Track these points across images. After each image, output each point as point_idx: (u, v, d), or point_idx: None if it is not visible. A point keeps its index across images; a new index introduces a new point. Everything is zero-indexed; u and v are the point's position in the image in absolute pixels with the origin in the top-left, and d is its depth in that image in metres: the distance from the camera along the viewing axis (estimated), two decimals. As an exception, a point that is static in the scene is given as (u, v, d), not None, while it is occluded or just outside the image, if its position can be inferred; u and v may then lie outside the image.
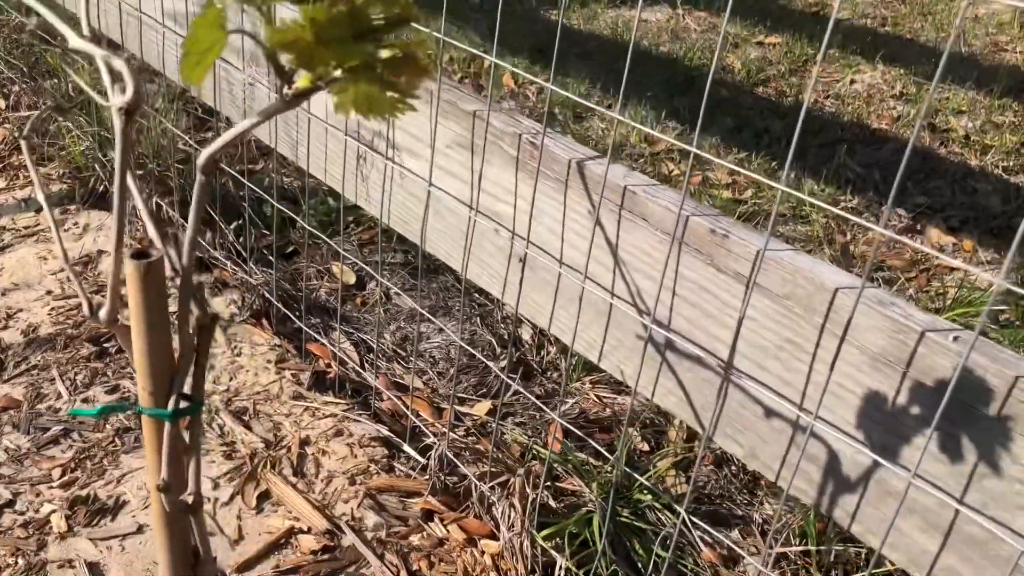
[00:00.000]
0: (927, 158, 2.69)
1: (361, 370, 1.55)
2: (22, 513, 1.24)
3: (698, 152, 0.84)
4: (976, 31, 3.99)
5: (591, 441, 1.16)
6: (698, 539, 1.26)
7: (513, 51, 3.22)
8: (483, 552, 1.21)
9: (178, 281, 0.65)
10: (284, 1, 0.47)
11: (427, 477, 1.33)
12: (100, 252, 1.83)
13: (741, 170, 0.83)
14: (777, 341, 0.83)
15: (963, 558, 0.75)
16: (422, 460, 1.36)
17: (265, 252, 1.84)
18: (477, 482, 1.26)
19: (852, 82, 3.26)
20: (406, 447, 1.39)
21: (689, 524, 1.26)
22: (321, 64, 0.47)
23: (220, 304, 1.69)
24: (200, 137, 2.23)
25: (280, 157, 2.02)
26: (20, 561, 1.17)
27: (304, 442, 1.39)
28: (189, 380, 0.69)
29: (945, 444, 0.73)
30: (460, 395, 1.52)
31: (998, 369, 0.69)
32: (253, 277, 1.73)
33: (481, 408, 1.49)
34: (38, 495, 1.27)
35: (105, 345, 1.57)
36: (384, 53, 0.47)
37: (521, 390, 1.27)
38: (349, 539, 1.23)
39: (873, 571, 1.18)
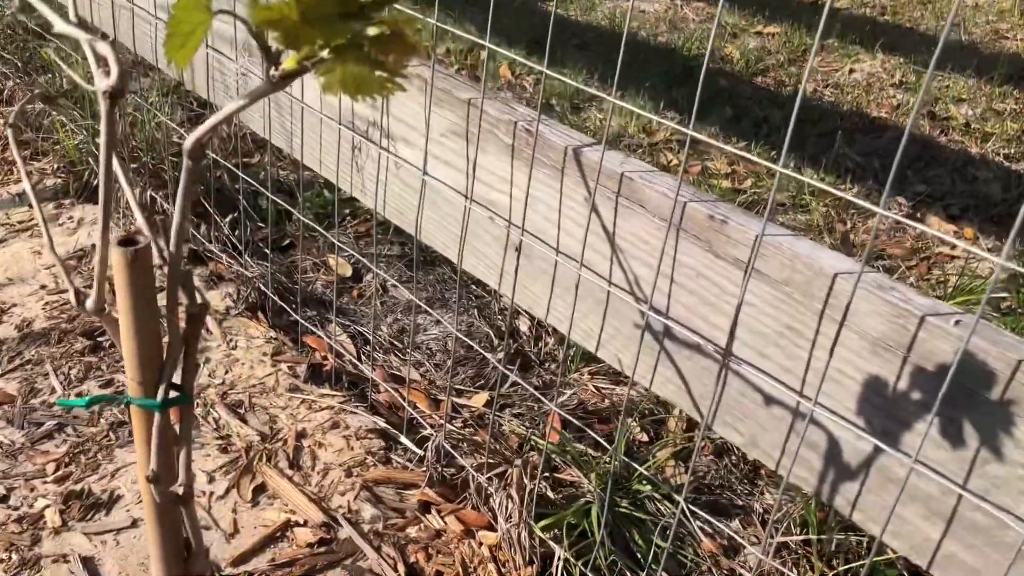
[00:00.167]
0: (927, 146, 2.68)
1: (358, 362, 1.54)
2: (16, 508, 1.23)
3: (696, 136, 0.82)
4: (976, 19, 3.97)
5: (590, 431, 1.15)
6: (698, 529, 1.25)
7: (510, 43, 3.21)
8: (481, 543, 1.20)
9: (166, 269, 0.64)
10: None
11: (424, 469, 1.32)
12: (95, 246, 1.81)
13: (744, 154, 0.82)
14: (776, 327, 0.82)
15: (966, 545, 0.74)
16: (419, 452, 1.35)
17: (260, 245, 1.83)
18: (475, 473, 1.25)
19: (851, 71, 3.25)
20: (403, 439, 1.38)
21: (689, 514, 1.25)
22: (307, 43, 0.46)
23: (216, 297, 1.68)
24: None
25: (275, 150, 2.01)
26: (14, 556, 1.16)
27: (300, 435, 1.38)
28: (179, 371, 0.68)
29: (947, 429, 0.72)
30: (457, 387, 1.51)
31: (1000, 352, 0.68)
32: (249, 270, 1.71)
33: (479, 399, 1.48)
34: (32, 490, 1.26)
35: (99, 339, 1.56)
36: (372, 31, 0.46)
37: (519, 381, 1.26)
38: (346, 532, 1.22)
39: (875, 559, 1.17)
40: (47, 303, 1.64)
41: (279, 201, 1.56)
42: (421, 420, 1.40)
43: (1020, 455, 0.68)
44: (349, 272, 1.82)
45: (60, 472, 1.29)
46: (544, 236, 1.01)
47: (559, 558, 1.13)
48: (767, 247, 0.80)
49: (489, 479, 1.23)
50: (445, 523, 1.24)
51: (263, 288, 1.66)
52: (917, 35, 3.75)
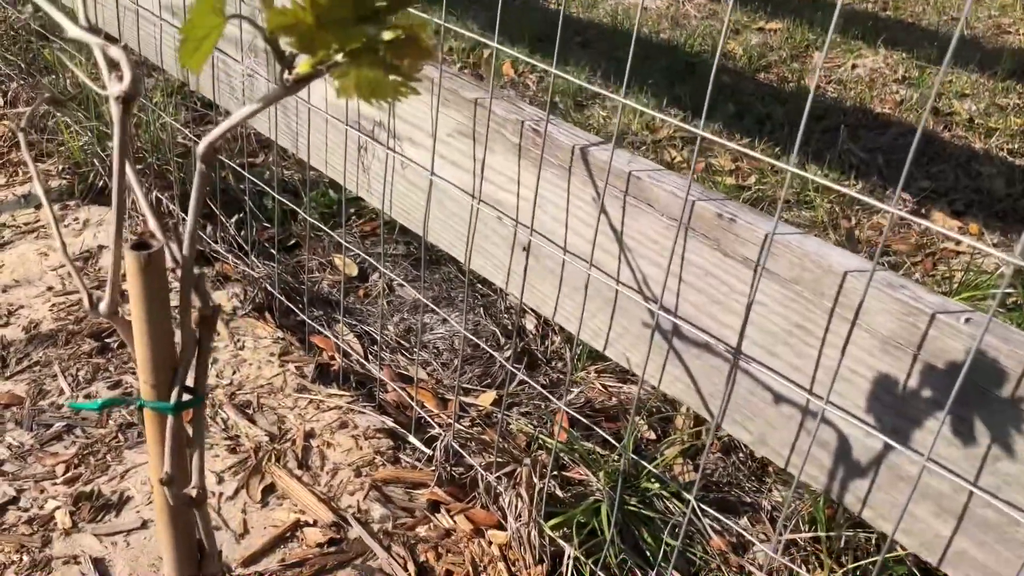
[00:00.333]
0: (931, 142, 2.68)
1: (365, 362, 1.54)
2: (26, 510, 1.24)
3: (705, 135, 0.83)
4: (978, 13, 3.97)
5: (598, 429, 1.15)
6: (707, 527, 1.25)
7: (512, 41, 3.21)
8: (490, 543, 1.20)
9: (179, 272, 0.64)
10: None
11: (433, 468, 1.32)
12: (100, 247, 1.82)
13: (748, 152, 0.82)
14: (786, 326, 0.82)
15: (977, 542, 0.74)
16: (428, 451, 1.35)
17: (267, 245, 1.83)
18: (484, 472, 1.25)
19: (854, 67, 3.24)
20: (411, 438, 1.38)
21: (698, 512, 1.25)
22: (323, 48, 0.46)
23: (222, 297, 1.68)
24: (199, 131, 2.22)
25: (280, 149, 2.01)
26: (25, 558, 1.16)
27: (309, 435, 1.38)
28: (191, 373, 0.69)
29: (958, 427, 0.73)
30: (465, 386, 1.51)
31: (1011, 350, 0.68)
32: (255, 270, 1.72)
33: (486, 398, 1.48)
34: (42, 492, 1.27)
35: (107, 341, 1.56)
36: (387, 35, 0.46)
37: (527, 379, 1.26)
38: (355, 531, 1.22)
39: (885, 556, 1.17)
40: (54, 304, 1.64)
41: (285, 201, 1.56)
42: (429, 419, 1.40)
43: (1032, 452, 0.69)
44: (355, 272, 1.83)
45: (70, 473, 1.30)
46: (551, 235, 1.01)
47: (569, 556, 1.14)
48: (776, 246, 0.80)
49: (498, 478, 1.23)
50: (455, 522, 1.24)
51: (270, 288, 1.66)
52: (919, 30, 3.75)
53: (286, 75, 0.51)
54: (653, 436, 1.43)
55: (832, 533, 1.20)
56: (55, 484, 1.28)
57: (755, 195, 2.26)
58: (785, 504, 1.15)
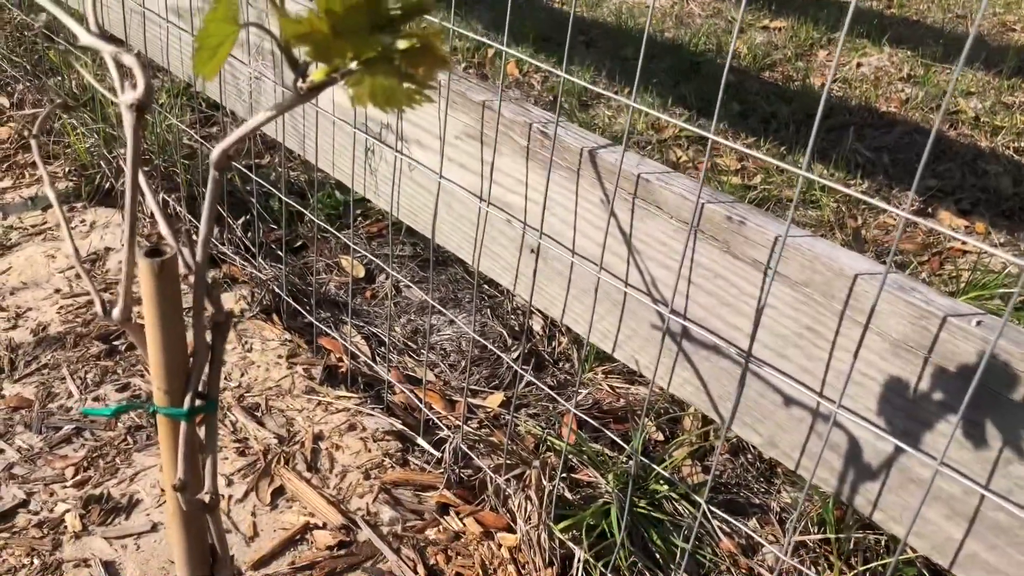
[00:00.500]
0: (937, 140, 2.68)
1: (373, 363, 1.54)
2: (36, 513, 1.24)
3: (714, 138, 0.82)
4: (984, 11, 3.96)
5: (608, 431, 1.15)
6: (717, 529, 1.25)
7: (517, 40, 3.21)
8: (500, 545, 1.21)
9: (191, 279, 0.65)
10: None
11: (442, 470, 1.32)
12: (107, 249, 1.82)
13: (754, 153, 0.82)
14: (796, 328, 0.82)
15: (989, 545, 0.74)
16: (436, 453, 1.35)
17: (273, 247, 1.83)
18: (492, 475, 1.25)
19: (859, 65, 3.24)
20: (420, 440, 1.38)
21: (708, 514, 1.25)
22: (338, 56, 0.46)
23: (230, 299, 1.68)
24: (205, 132, 2.23)
25: (287, 151, 2.01)
26: (36, 561, 1.17)
27: (317, 437, 1.38)
28: (204, 378, 0.69)
29: (969, 430, 0.73)
30: (472, 387, 1.51)
31: (1023, 354, 0.68)
32: (262, 272, 1.72)
33: (494, 400, 1.48)
34: (52, 495, 1.27)
35: (115, 343, 1.56)
36: (402, 44, 0.46)
37: (535, 381, 1.26)
38: (365, 534, 1.22)
39: (895, 559, 1.17)
40: (62, 307, 1.64)
41: (292, 203, 1.56)
42: (437, 421, 1.40)
43: (1044, 456, 0.69)
44: (362, 273, 1.83)
45: (79, 476, 1.30)
46: (560, 237, 1.01)
47: (579, 559, 1.14)
48: (786, 248, 0.80)
49: (507, 480, 1.23)
50: (464, 525, 1.24)
51: (277, 290, 1.66)
52: (924, 28, 3.74)
53: (300, 83, 0.51)
54: (661, 437, 1.43)
55: (841, 535, 1.20)
56: (64, 487, 1.28)
57: (761, 194, 2.25)
58: (798, 506, 1.15)
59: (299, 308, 1.63)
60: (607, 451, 1.34)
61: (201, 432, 0.70)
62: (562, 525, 1.17)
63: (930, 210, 2.30)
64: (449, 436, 1.34)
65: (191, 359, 0.67)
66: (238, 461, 1.34)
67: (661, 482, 1.26)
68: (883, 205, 0.73)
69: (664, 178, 0.91)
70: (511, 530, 1.22)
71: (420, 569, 1.17)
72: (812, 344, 0.82)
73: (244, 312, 1.65)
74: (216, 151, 0.57)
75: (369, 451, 1.36)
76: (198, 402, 0.67)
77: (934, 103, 2.91)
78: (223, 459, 1.33)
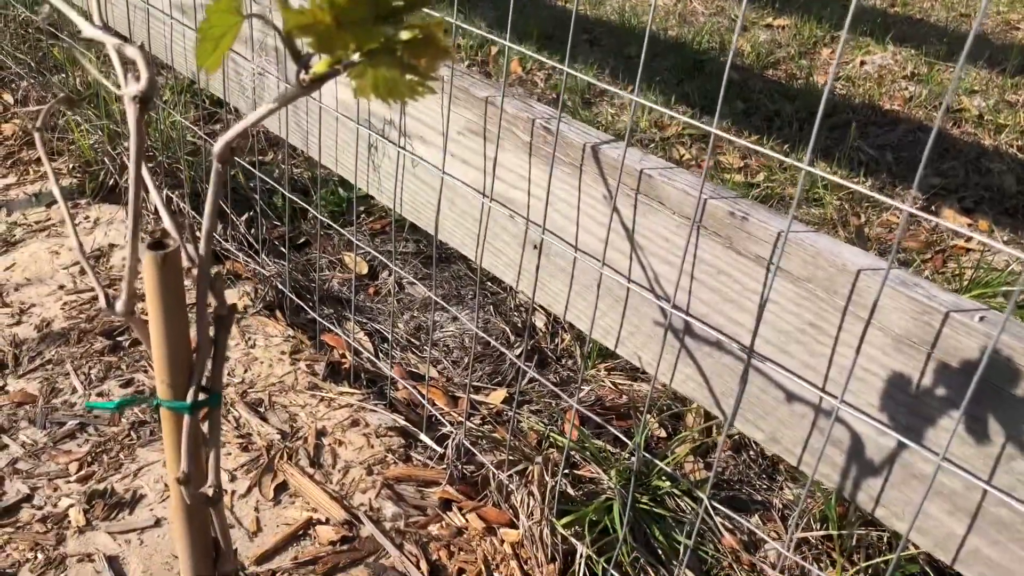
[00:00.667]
0: (940, 138, 2.67)
1: (376, 360, 1.54)
2: (40, 508, 1.24)
3: (717, 132, 0.82)
4: (987, 9, 3.96)
5: (610, 427, 1.15)
6: (719, 525, 1.25)
7: (520, 38, 3.21)
8: (503, 541, 1.21)
9: (194, 272, 0.65)
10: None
11: (444, 466, 1.32)
12: (111, 246, 1.82)
13: (761, 149, 0.82)
14: (799, 324, 0.82)
15: (991, 541, 0.74)
16: (439, 449, 1.35)
17: (276, 243, 1.83)
18: (495, 471, 1.25)
19: (862, 63, 3.24)
20: (423, 436, 1.38)
21: (711, 510, 1.25)
22: (341, 48, 0.46)
23: (233, 296, 1.68)
24: (209, 129, 2.23)
25: (290, 148, 2.01)
26: (40, 556, 1.17)
27: (320, 433, 1.38)
28: (207, 372, 0.69)
29: (972, 426, 0.73)
30: (475, 384, 1.52)
31: (1026, 349, 0.68)
32: (266, 268, 1.72)
33: (496, 396, 1.48)
34: (56, 489, 1.27)
35: (119, 339, 1.57)
36: (404, 35, 0.46)
37: (538, 377, 1.27)
38: (368, 529, 1.23)
39: (898, 555, 1.17)
40: (66, 303, 1.65)
41: (296, 199, 1.56)
42: (440, 417, 1.40)
43: (1047, 451, 0.68)
44: (365, 270, 1.83)
45: (83, 472, 1.30)
46: (562, 233, 1.01)
47: (581, 555, 1.14)
48: (789, 244, 0.80)
49: (510, 476, 1.24)
50: (466, 520, 1.24)
51: (280, 287, 1.66)
52: (927, 26, 3.74)
53: (302, 75, 0.51)
54: (663, 434, 1.44)
55: (844, 531, 1.19)
56: (68, 482, 1.28)
57: (764, 192, 2.25)
58: (800, 502, 1.14)
59: (302, 304, 1.64)
60: (609, 448, 1.34)
61: (204, 427, 0.70)
62: (564, 521, 1.17)
63: (933, 208, 2.29)
64: (452, 432, 1.34)
65: (194, 353, 0.67)
66: (241, 457, 1.34)
67: (663, 478, 1.26)
68: (887, 200, 0.73)
69: (667, 174, 0.91)
70: (513, 526, 1.22)
71: (423, 565, 1.18)
72: (815, 340, 0.82)
73: (247, 308, 1.65)
74: (219, 143, 0.57)
75: (372, 447, 1.36)
76: (201, 395, 0.67)
77: (938, 101, 2.90)
78: (226, 455, 1.34)
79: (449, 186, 1.14)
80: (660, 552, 1.19)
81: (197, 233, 0.63)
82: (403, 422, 1.41)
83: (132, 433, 1.37)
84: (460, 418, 1.39)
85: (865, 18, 3.68)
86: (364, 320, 1.66)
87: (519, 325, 1.67)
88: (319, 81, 0.51)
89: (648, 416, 1.44)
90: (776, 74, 3.12)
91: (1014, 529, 0.72)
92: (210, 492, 0.70)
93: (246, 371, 1.51)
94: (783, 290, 0.82)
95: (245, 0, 1.36)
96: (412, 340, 1.63)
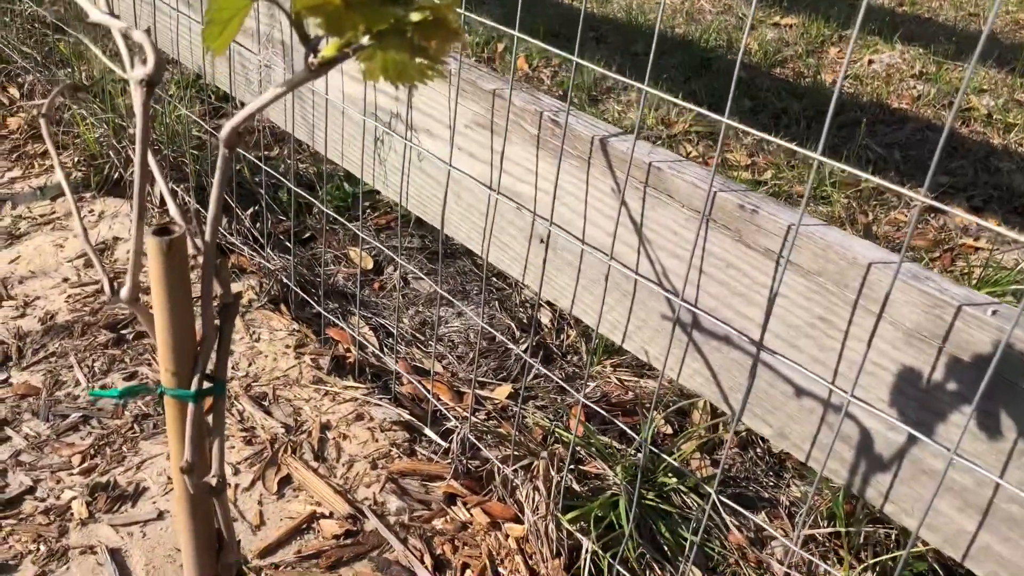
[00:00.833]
0: (949, 137, 2.66)
1: (381, 354, 1.54)
2: (43, 500, 1.24)
3: (728, 122, 0.82)
4: (997, 8, 3.94)
5: (618, 422, 1.15)
6: (725, 522, 1.24)
7: (526, 35, 3.20)
8: (507, 535, 1.20)
9: (199, 260, 0.64)
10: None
11: (449, 461, 1.31)
12: (116, 239, 1.82)
13: (776, 140, 0.81)
14: (808, 319, 0.82)
15: (1002, 537, 0.73)
16: (444, 444, 1.35)
17: (281, 238, 1.83)
18: (500, 465, 1.25)
19: (870, 62, 3.23)
20: (427, 431, 1.38)
21: (718, 506, 1.24)
22: (350, 28, 0.45)
23: (237, 289, 1.68)
24: (215, 124, 2.22)
25: (295, 142, 2.01)
26: (42, 547, 1.16)
27: (325, 427, 1.38)
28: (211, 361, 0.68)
29: (983, 421, 0.72)
30: (480, 379, 1.51)
31: (1039, 343, 0.67)
32: (271, 262, 1.72)
33: (501, 392, 1.47)
34: (58, 482, 1.27)
35: (122, 332, 1.56)
36: (415, 16, 0.45)
37: (546, 371, 1.26)
38: (372, 523, 1.22)
39: (905, 552, 1.16)
40: (70, 296, 1.64)
41: (302, 193, 1.55)
42: (445, 412, 1.40)
43: (1061, 446, 0.68)
44: (370, 265, 1.82)
45: (86, 464, 1.30)
46: (569, 227, 1.01)
47: (587, 550, 1.13)
48: (799, 237, 0.80)
49: (515, 471, 1.23)
50: (471, 515, 1.23)
51: (285, 281, 1.66)
52: (936, 25, 3.73)
53: (311, 58, 0.51)
54: (669, 430, 1.43)
55: (851, 529, 1.19)
56: (71, 474, 1.28)
57: (771, 190, 2.24)
58: (808, 498, 1.14)
59: (307, 298, 1.63)
60: (615, 444, 1.33)
61: (208, 417, 0.70)
62: (570, 516, 1.17)
63: (907, 196, 2.28)
64: (456, 427, 1.34)
65: (199, 342, 0.67)
66: (245, 450, 1.33)
67: (669, 474, 1.25)
68: (903, 191, 0.72)
69: (676, 166, 0.90)
70: (518, 521, 1.21)
71: (427, 559, 1.17)
72: (824, 334, 0.81)
73: (252, 302, 1.65)
74: (226, 128, 0.57)
75: (376, 441, 1.36)
76: (206, 384, 0.67)
77: (946, 100, 2.89)
78: (230, 448, 1.33)
79: (455, 180, 1.13)
80: (666, 548, 1.18)
81: (203, 225, 0.62)
82: (408, 416, 1.40)
83: (135, 426, 1.37)
84: (465, 413, 1.38)
85: (873, 17, 3.66)
86: (369, 315, 1.66)
87: (524, 321, 1.66)
88: (328, 64, 0.50)
89: (654, 412, 1.43)
90: (783, 72, 3.12)
91: (1026, 525, 0.71)
92: (213, 482, 0.70)
93: (250, 364, 1.50)
94: (793, 284, 0.82)
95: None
96: (417, 335, 1.62)
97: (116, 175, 2.00)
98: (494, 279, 1.78)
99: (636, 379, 1.52)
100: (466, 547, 1.19)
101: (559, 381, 1.14)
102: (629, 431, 1.09)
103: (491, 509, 1.24)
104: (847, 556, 1.17)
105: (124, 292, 0.63)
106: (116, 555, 1.17)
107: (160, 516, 1.22)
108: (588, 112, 2.63)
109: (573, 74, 0.93)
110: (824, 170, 2.33)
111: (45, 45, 2.56)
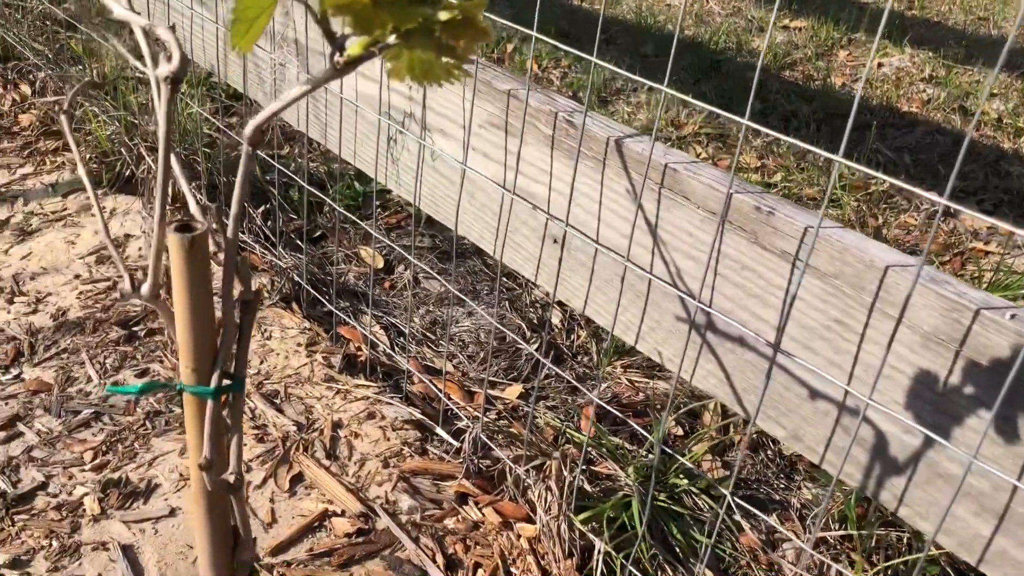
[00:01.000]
0: (959, 141, 2.66)
1: (392, 353, 1.54)
2: (55, 496, 1.24)
3: (748, 123, 0.82)
4: (1006, 12, 3.94)
5: (631, 422, 1.15)
6: (738, 523, 1.24)
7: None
8: (519, 535, 1.20)
9: (219, 257, 0.64)
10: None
11: (461, 460, 1.31)
12: (127, 236, 1.82)
13: (809, 147, 0.81)
14: (824, 321, 0.82)
15: (1018, 542, 0.73)
16: (455, 443, 1.35)
17: (292, 236, 1.83)
18: (512, 465, 1.25)
19: (880, 65, 3.22)
20: (439, 430, 1.38)
21: (733, 507, 1.24)
22: (379, 27, 0.45)
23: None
24: (225, 122, 2.23)
25: (307, 141, 2.01)
26: (55, 543, 1.17)
27: (336, 425, 1.38)
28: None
29: (1001, 425, 0.72)
30: (491, 379, 1.51)
31: (1059, 347, 0.67)
32: (282, 260, 1.72)
33: (512, 391, 1.48)
34: (70, 478, 1.27)
35: (134, 329, 1.56)
36: (443, 15, 0.45)
37: (557, 371, 1.26)
38: (384, 522, 1.22)
39: (918, 556, 1.16)
40: (81, 292, 1.65)
41: (315, 191, 1.56)
42: (456, 411, 1.40)
43: (1079, 450, 0.68)
44: (381, 264, 1.82)
45: (98, 460, 1.30)
46: (583, 228, 1.01)
47: (599, 551, 1.13)
48: (816, 239, 0.80)
49: (527, 471, 1.23)
50: (483, 515, 1.24)
51: (297, 279, 1.66)
52: (945, 29, 3.72)
53: (337, 57, 0.51)
54: (680, 432, 1.43)
55: (863, 531, 1.19)
56: (83, 470, 1.28)
57: (781, 192, 2.24)
58: (825, 501, 1.14)
59: (319, 297, 1.63)
60: (626, 445, 1.33)
61: (224, 413, 0.70)
62: (582, 517, 1.17)
63: (952, 211, 2.28)
64: (468, 426, 1.34)
65: (219, 338, 0.67)
66: (257, 447, 1.33)
67: (681, 476, 1.25)
68: (919, 191, 0.72)
69: (692, 168, 0.90)
70: (530, 521, 1.21)
71: (439, 558, 1.17)
72: (840, 337, 0.81)
73: (264, 300, 1.65)
74: (250, 126, 0.57)
75: (388, 440, 1.36)
76: (225, 381, 0.67)
77: (956, 104, 2.89)
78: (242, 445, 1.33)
79: (469, 179, 1.13)
80: (678, 550, 1.18)
81: (224, 220, 0.62)
82: (419, 415, 1.40)
83: (147, 423, 1.37)
84: (476, 412, 1.38)
85: (882, 19, 3.66)
86: (380, 314, 1.66)
87: (535, 321, 1.66)
88: (354, 63, 0.50)
89: (664, 413, 1.43)
90: (793, 75, 3.11)
91: (1043, 530, 0.71)
92: (231, 479, 0.70)
93: (262, 362, 1.51)
94: (809, 286, 0.82)
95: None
96: (428, 334, 1.62)
97: (128, 172, 2.00)
98: (504, 279, 1.78)
99: (646, 380, 1.52)
100: (478, 547, 1.19)
101: (572, 381, 1.14)
102: (642, 431, 1.09)
103: (503, 509, 1.24)
104: (859, 559, 1.17)
105: (145, 289, 0.63)
106: (128, 551, 1.17)
107: (172, 513, 1.23)
108: (598, 112, 2.63)
109: (592, 75, 0.93)
110: (834, 173, 2.32)
111: (56, 42, 2.56)
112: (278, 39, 1.40)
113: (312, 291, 1.63)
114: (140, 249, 1.78)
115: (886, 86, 3.03)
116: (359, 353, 1.54)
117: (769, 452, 1.39)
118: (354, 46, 0.50)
